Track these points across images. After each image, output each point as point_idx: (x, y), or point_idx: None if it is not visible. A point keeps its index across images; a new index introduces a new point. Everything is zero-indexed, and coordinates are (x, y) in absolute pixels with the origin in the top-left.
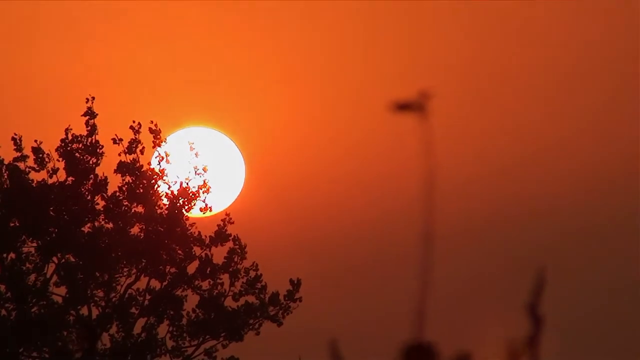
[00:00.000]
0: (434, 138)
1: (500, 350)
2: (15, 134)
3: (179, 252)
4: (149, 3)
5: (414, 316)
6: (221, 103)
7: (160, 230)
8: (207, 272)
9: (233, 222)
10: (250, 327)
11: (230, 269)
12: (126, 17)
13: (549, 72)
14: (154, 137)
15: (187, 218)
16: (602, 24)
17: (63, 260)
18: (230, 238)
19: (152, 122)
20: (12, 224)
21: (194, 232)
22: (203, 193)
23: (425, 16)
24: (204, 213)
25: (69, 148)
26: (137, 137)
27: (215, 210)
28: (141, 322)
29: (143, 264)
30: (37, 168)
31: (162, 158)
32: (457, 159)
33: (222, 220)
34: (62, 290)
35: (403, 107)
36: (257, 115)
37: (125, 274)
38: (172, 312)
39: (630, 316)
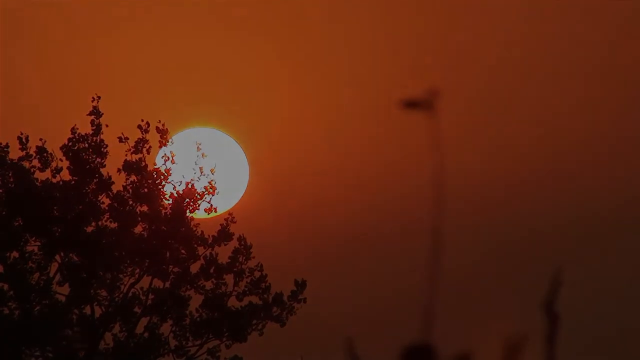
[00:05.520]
0: (443, 136)
1: (499, 348)
2: (22, 133)
3: (183, 251)
4: (155, 3)
5: (422, 314)
6: (225, 104)
7: (164, 229)
8: (211, 271)
9: (236, 222)
10: (254, 327)
11: (235, 269)
12: (132, 17)
13: (554, 71)
14: (160, 136)
15: (192, 218)
16: (617, 20)
17: (66, 259)
18: (234, 237)
19: (159, 121)
20: (15, 223)
21: (198, 232)
22: (209, 194)
23: (435, 12)
24: (208, 214)
25: (75, 147)
26: (144, 136)
27: (219, 211)
28: (144, 321)
29: (146, 263)
30: (41, 167)
31: (168, 158)
32: (466, 157)
33: (224, 219)
34: (65, 289)
35: (411, 104)
36: (261, 116)
37: (128, 273)
38: (175, 312)
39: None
